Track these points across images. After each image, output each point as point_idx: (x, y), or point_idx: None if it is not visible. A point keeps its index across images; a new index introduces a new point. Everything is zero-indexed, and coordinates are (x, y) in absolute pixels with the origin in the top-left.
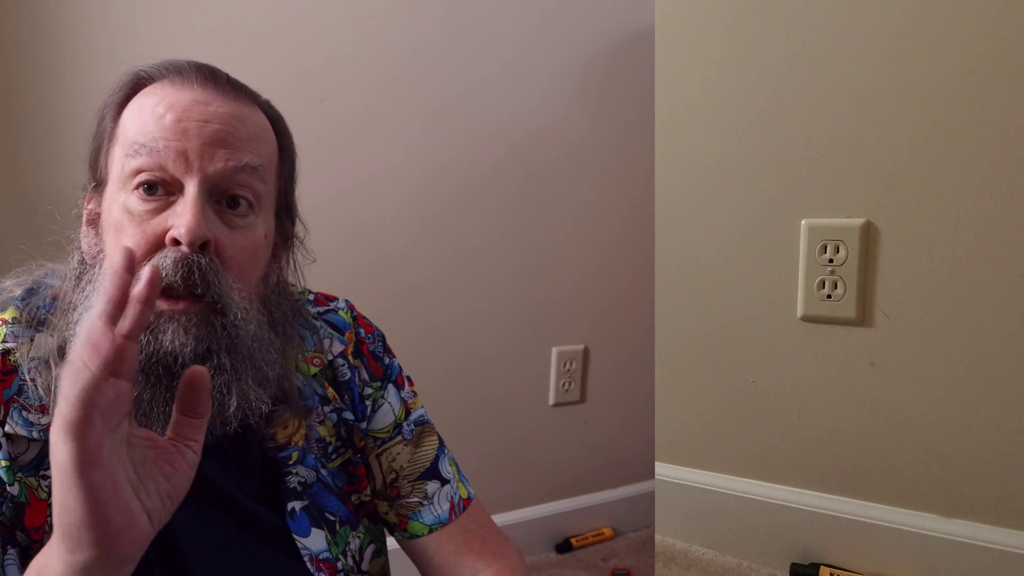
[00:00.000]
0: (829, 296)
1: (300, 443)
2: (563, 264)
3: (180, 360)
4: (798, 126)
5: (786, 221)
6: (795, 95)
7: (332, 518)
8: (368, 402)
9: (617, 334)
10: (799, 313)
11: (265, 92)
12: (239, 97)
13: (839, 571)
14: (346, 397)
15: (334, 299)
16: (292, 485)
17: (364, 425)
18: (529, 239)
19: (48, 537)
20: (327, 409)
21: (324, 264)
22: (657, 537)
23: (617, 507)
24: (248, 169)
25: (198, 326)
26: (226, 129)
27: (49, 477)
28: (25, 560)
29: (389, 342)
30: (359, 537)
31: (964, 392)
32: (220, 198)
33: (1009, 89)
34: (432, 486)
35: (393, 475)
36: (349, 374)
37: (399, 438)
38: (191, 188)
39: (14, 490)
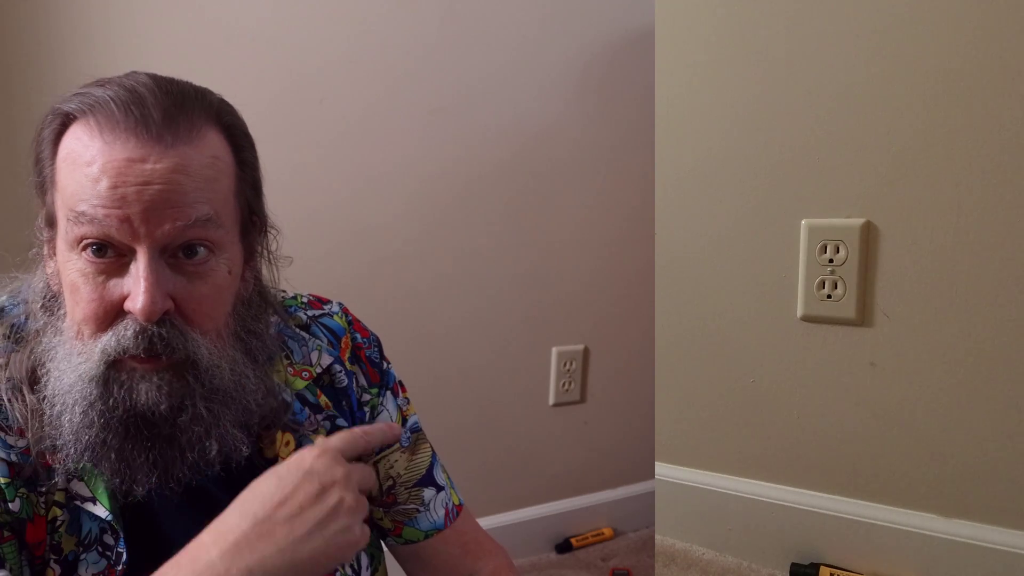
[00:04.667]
0: (829, 296)
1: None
2: (563, 264)
3: (156, 413)
4: (798, 126)
5: (786, 221)
6: (795, 95)
7: None
8: (366, 408)
9: (617, 334)
10: (799, 313)
11: (265, 92)
12: (178, 136)
13: (839, 571)
14: (343, 403)
15: (328, 302)
16: None
17: None
18: (529, 239)
19: (49, 554)
20: (319, 417)
21: (324, 265)
22: (657, 537)
23: (617, 507)
24: (199, 223)
25: (170, 383)
26: (168, 188)
27: (44, 493)
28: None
29: (390, 343)
30: None
31: (964, 392)
32: (176, 251)
33: (1009, 88)
34: (428, 493)
35: (390, 482)
36: (346, 380)
37: (397, 446)
38: (141, 257)
39: (14, 506)
